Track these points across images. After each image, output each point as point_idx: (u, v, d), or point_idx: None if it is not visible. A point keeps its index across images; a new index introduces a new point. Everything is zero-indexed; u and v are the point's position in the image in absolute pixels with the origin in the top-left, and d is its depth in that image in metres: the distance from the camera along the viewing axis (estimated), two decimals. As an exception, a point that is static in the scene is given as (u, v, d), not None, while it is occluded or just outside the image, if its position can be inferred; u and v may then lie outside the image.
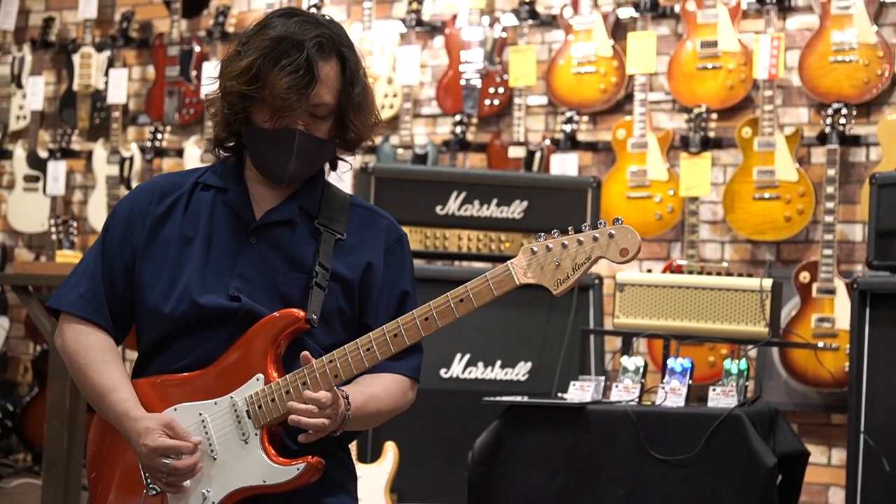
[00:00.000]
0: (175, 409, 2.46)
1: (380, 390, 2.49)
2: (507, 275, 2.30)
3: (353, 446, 2.98)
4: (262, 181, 2.55)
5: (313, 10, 6.73)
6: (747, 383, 4.12)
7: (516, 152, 6.22)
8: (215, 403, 2.44)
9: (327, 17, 2.54)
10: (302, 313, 2.42)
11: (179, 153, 7.11)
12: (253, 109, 2.46)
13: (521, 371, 4.82)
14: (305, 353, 2.37)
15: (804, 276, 5.50)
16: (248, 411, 2.41)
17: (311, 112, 2.45)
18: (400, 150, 6.48)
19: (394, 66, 6.58)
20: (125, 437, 2.46)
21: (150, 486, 2.44)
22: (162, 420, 2.41)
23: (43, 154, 7.42)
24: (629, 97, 6.07)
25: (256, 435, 2.40)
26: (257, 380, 2.41)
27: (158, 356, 2.52)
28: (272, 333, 2.42)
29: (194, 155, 6.95)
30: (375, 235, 2.58)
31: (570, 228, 2.28)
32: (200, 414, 2.44)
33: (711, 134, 5.85)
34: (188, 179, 2.60)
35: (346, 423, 2.39)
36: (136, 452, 2.44)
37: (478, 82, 6.39)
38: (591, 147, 6.20)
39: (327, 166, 2.64)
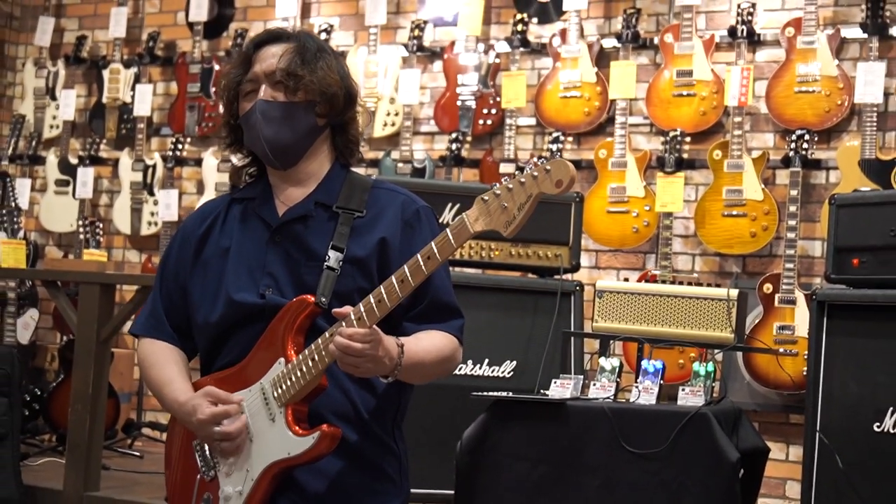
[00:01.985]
0: None
1: (430, 344, 2.45)
2: (462, 225, 2.25)
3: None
4: (281, 179, 2.56)
5: (323, 34, 6.73)
6: (714, 384, 4.11)
7: (506, 168, 6.21)
8: (249, 391, 2.45)
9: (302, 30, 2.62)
10: (311, 298, 2.40)
11: (198, 163, 7.10)
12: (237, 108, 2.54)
13: (507, 369, 4.80)
14: (336, 310, 2.33)
15: (767, 288, 5.49)
16: (273, 393, 2.41)
17: (271, 81, 2.49)
18: (400, 164, 6.47)
19: (396, 87, 6.57)
20: (182, 422, 2.50)
21: (205, 471, 2.47)
22: (203, 391, 2.45)
23: (73, 161, 7.42)
24: (611, 120, 6.06)
25: (281, 413, 2.40)
26: (279, 364, 2.41)
27: (215, 357, 2.56)
28: (288, 320, 2.41)
29: (212, 164, 6.94)
30: (392, 210, 2.52)
31: (516, 172, 2.24)
32: (241, 403, 2.45)
33: (685, 155, 5.85)
34: (226, 199, 2.64)
35: (399, 369, 2.34)
36: (190, 441, 2.51)
37: (472, 103, 6.39)
38: (575, 165, 6.15)
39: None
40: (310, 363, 2.35)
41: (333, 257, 2.43)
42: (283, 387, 2.39)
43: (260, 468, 2.40)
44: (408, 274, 2.28)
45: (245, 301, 2.47)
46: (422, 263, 2.27)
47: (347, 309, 2.32)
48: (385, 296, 2.29)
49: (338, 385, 2.43)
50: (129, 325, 2.90)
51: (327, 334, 2.33)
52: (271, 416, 2.41)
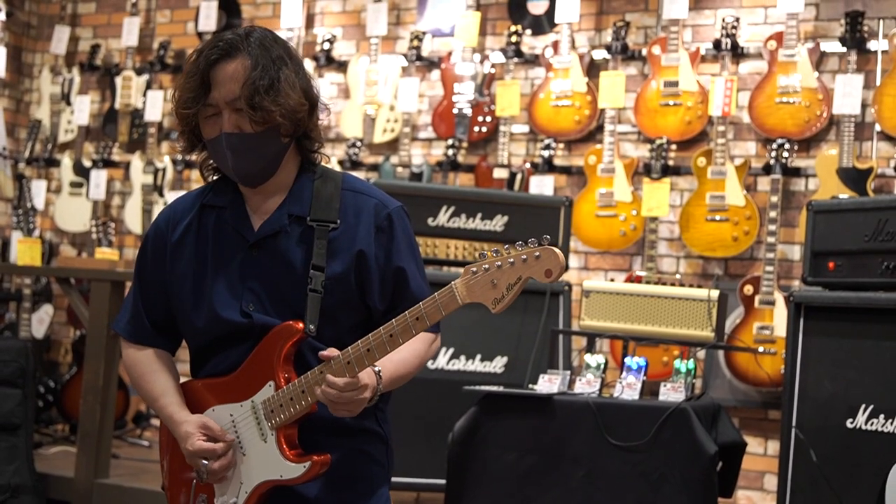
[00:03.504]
0: (213, 410, 2.47)
1: (408, 353, 2.43)
2: (451, 296, 2.24)
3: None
4: (251, 192, 2.47)
5: (326, 44, 6.75)
6: (695, 381, 4.13)
7: (500, 173, 6.23)
8: (241, 406, 2.43)
9: (255, 28, 2.43)
10: (300, 325, 2.37)
11: (206, 166, 7.10)
12: (197, 124, 2.41)
13: (497, 364, 4.82)
14: (322, 352, 2.32)
15: (748, 289, 5.51)
16: (265, 415, 2.40)
17: (234, 108, 2.35)
18: (399, 169, 6.48)
19: (395, 95, 6.59)
20: (175, 437, 2.48)
21: (197, 477, 2.47)
22: (199, 422, 2.42)
23: (87, 163, 7.43)
24: (600, 128, 6.08)
25: (272, 435, 2.40)
26: (269, 386, 2.39)
27: (204, 362, 2.53)
28: (278, 344, 2.39)
29: (219, 168, 6.94)
30: (365, 219, 2.44)
31: (507, 246, 2.20)
32: (231, 415, 2.44)
33: (671, 162, 5.86)
34: (197, 201, 2.54)
35: (379, 391, 2.35)
36: None
37: (468, 111, 6.40)
38: (566, 171, 6.20)
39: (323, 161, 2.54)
40: (299, 394, 2.35)
41: (315, 278, 2.38)
42: (274, 411, 2.38)
43: (252, 484, 2.42)
44: (397, 330, 2.27)
45: (231, 319, 2.42)
46: (410, 323, 2.27)
47: (335, 352, 2.31)
48: (374, 346, 2.28)
49: None
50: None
51: (316, 371, 2.33)
52: (263, 436, 2.41)
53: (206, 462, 2.39)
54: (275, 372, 2.38)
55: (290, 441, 2.40)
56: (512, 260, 2.19)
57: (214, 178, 2.55)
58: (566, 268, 2.20)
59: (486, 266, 2.21)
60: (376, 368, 2.34)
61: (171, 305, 2.53)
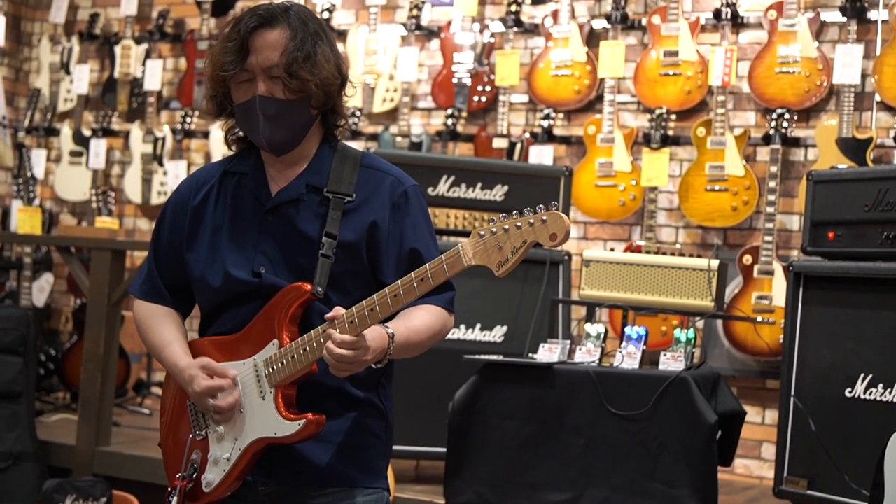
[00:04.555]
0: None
1: (421, 324, 2.43)
2: (457, 257, 2.25)
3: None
4: (274, 160, 2.51)
5: (326, 13, 6.69)
6: (694, 350, 4.12)
7: (500, 143, 6.19)
8: (243, 364, 2.45)
9: (293, 3, 2.48)
10: (308, 286, 2.39)
11: (205, 135, 7.08)
12: (230, 89, 2.46)
13: (497, 333, 4.81)
14: (329, 314, 2.32)
15: (747, 259, 5.49)
16: (265, 372, 2.41)
17: (269, 75, 2.40)
18: (398, 138, 6.45)
19: (395, 65, 6.54)
20: (181, 385, 2.50)
21: (196, 431, 2.48)
22: (200, 363, 2.45)
23: (86, 133, 7.39)
24: (600, 98, 6.04)
25: (271, 393, 2.40)
26: (273, 345, 2.40)
27: (213, 321, 2.55)
28: (285, 304, 2.40)
29: (218, 137, 6.91)
30: (381, 193, 2.48)
31: (514, 212, 2.22)
32: (234, 372, 2.45)
33: (670, 132, 5.83)
34: (219, 169, 2.59)
35: (389, 355, 2.35)
36: (185, 399, 2.52)
37: (468, 81, 6.36)
38: (565, 140, 6.17)
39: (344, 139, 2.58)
40: (301, 353, 2.36)
41: (327, 244, 2.41)
42: (275, 368, 2.39)
43: (248, 440, 2.42)
44: (401, 292, 2.28)
45: (241, 278, 2.45)
46: (415, 285, 2.28)
47: (340, 311, 2.31)
48: (378, 307, 2.29)
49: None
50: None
51: (320, 330, 2.33)
52: (262, 393, 2.42)
53: (213, 401, 2.41)
54: (279, 331, 2.40)
55: (287, 400, 2.41)
56: (519, 224, 2.20)
57: (236, 148, 2.60)
58: (569, 233, 2.20)
59: (494, 230, 2.22)
60: (389, 331, 2.34)
61: (185, 269, 2.56)
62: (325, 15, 6.72)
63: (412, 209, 2.50)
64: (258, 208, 2.50)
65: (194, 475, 2.47)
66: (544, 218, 2.18)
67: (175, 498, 2.45)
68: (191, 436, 2.49)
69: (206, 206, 2.55)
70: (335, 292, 2.42)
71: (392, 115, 6.57)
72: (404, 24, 6.57)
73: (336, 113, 2.53)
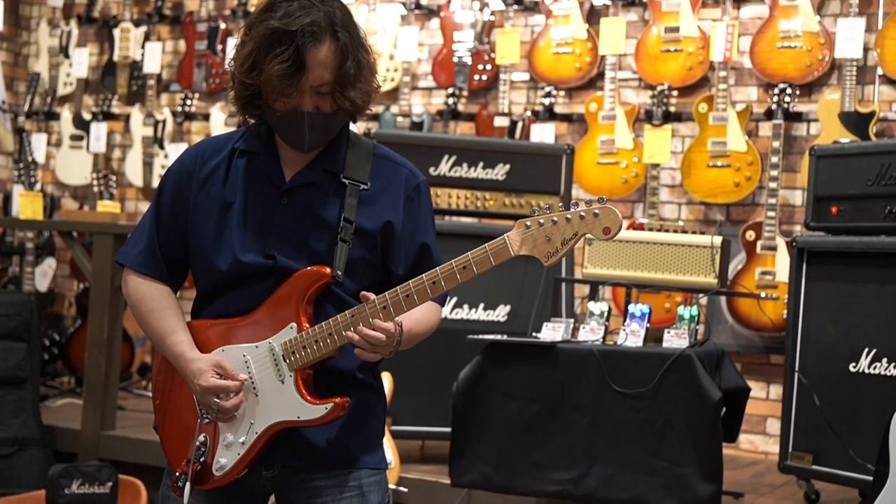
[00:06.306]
0: (223, 350, 2.45)
1: (422, 315, 2.47)
2: (503, 247, 2.27)
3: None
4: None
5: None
6: (698, 327, 4.12)
7: (501, 122, 6.18)
8: (256, 347, 2.42)
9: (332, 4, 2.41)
10: (328, 270, 2.39)
11: (206, 117, 7.07)
12: (262, 91, 2.38)
13: (501, 313, 4.81)
14: (364, 293, 2.34)
15: (750, 235, 5.49)
16: (283, 356, 2.40)
17: (317, 91, 2.36)
18: (399, 118, 6.44)
19: (395, 44, 6.52)
20: (182, 376, 2.47)
21: (204, 415, 2.46)
22: (212, 361, 2.42)
23: (87, 116, 7.38)
24: (601, 75, 6.02)
25: (291, 376, 2.39)
26: (291, 328, 2.39)
27: (211, 302, 2.51)
28: (302, 287, 2.39)
29: (219, 119, 6.91)
30: (395, 185, 2.50)
31: (560, 205, 2.25)
32: (244, 355, 2.43)
33: (672, 109, 5.81)
34: (227, 144, 2.54)
35: (398, 346, 2.38)
36: (185, 385, 2.48)
37: (468, 60, 6.34)
38: (567, 118, 6.16)
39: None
40: (327, 339, 2.35)
41: (346, 230, 2.41)
42: (297, 354, 2.39)
43: (265, 424, 2.41)
44: (441, 279, 2.31)
45: (252, 261, 2.43)
46: (456, 272, 2.30)
47: (371, 294, 2.33)
48: (414, 293, 2.31)
49: None
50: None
51: (347, 315, 2.34)
52: (280, 377, 2.40)
53: (217, 400, 2.39)
54: (298, 314, 2.39)
55: (307, 383, 2.40)
56: (569, 216, 2.23)
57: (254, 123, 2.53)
58: (622, 229, 2.23)
59: (542, 221, 2.25)
60: (399, 322, 2.36)
61: (187, 243, 2.51)
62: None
63: (423, 204, 2.53)
64: (271, 190, 2.46)
65: (202, 459, 2.45)
66: (596, 211, 2.22)
67: (187, 484, 2.43)
68: (199, 420, 2.46)
69: (214, 180, 2.49)
70: (347, 277, 2.42)
71: (393, 95, 6.56)
72: (404, 4, 6.55)
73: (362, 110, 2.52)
